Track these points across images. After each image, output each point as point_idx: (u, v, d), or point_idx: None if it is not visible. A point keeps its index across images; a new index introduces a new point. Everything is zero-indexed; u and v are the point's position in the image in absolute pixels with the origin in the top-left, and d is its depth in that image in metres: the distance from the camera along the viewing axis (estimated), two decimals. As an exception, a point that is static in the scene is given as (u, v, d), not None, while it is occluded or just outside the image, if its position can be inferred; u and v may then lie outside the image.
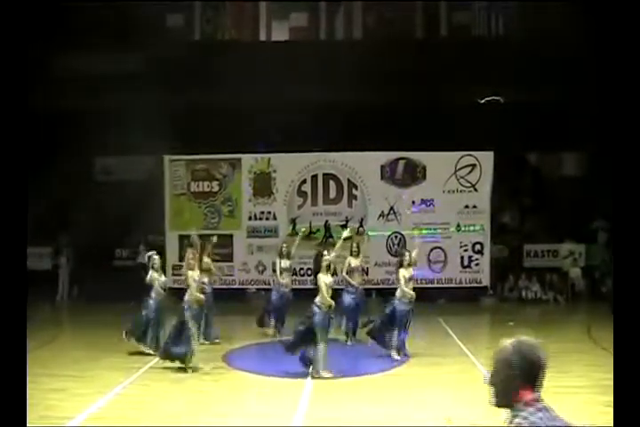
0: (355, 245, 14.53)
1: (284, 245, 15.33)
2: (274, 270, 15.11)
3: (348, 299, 13.91)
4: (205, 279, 13.21)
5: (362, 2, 23.13)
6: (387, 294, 18.46)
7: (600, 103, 18.86)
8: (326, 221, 19.61)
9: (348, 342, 13.92)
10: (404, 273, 12.46)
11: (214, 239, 14.93)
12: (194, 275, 11.98)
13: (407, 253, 12.79)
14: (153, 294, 13.07)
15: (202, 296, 12.06)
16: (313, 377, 10.88)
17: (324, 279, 11.19)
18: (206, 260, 13.87)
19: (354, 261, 14.21)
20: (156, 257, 13.24)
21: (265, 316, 15.05)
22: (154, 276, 13.01)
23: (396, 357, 12.36)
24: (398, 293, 12.48)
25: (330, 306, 11.12)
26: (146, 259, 13.55)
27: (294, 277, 15.86)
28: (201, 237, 14.64)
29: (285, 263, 14.87)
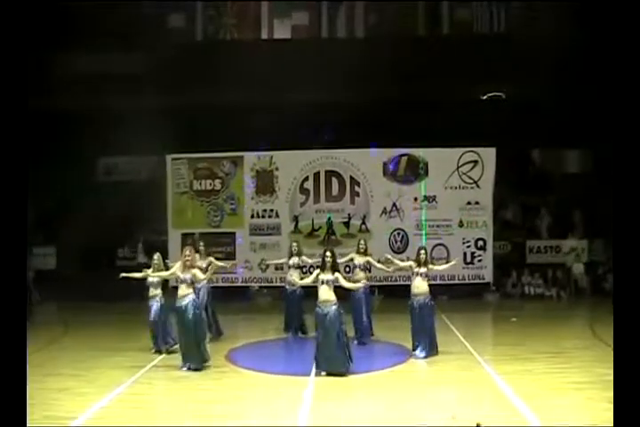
0: (362, 242, 14.49)
1: (295, 243, 15.38)
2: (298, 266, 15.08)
3: (355, 298, 13.91)
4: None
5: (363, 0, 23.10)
6: (387, 291, 18.71)
7: (603, 99, 18.85)
8: (329, 218, 19.60)
9: (356, 341, 13.85)
10: (421, 270, 12.53)
11: (197, 236, 15.05)
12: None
13: (423, 251, 12.81)
14: (151, 295, 13.08)
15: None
16: (317, 375, 10.87)
17: (323, 278, 11.20)
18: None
19: (358, 259, 14.20)
20: (156, 256, 13.21)
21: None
22: (150, 274, 12.97)
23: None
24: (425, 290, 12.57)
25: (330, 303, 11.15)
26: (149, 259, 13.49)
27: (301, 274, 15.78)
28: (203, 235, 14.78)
29: (295, 260, 14.92)
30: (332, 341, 10.95)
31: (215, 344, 13.76)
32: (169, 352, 12.74)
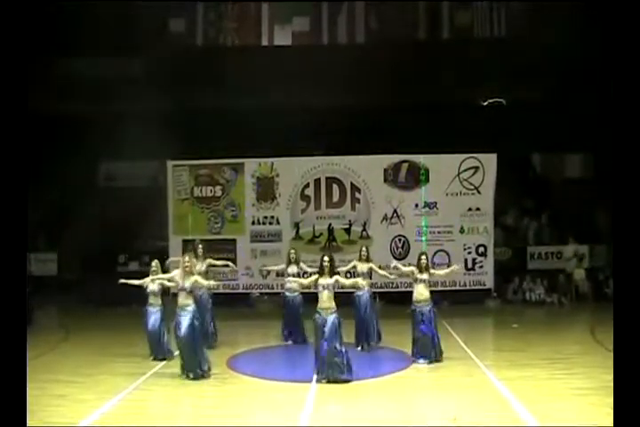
0: (364, 249, 14.42)
1: (292, 250, 15.33)
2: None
3: (359, 303, 13.89)
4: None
5: (364, 4, 23.11)
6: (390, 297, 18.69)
7: (603, 104, 18.88)
8: (329, 225, 19.58)
9: (359, 348, 13.76)
10: (423, 276, 12.51)
11: (197, 241, 15.05)
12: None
13: (424, 257, 12.78)
14: (150, 303, 13.09)
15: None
16: (318, 381, 10.84)
17: (322, 282, 11.16)
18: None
19: (361, 266, 14.13)
20: (154, 263, 13.20)
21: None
22: (148, 282, 12.99)
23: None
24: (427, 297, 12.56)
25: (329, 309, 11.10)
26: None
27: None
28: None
29: (293, 269, 14.86)
30: (331, 348, 10.90)
31: (216, 351, 13.73)
32: (169, 359, 12.74)
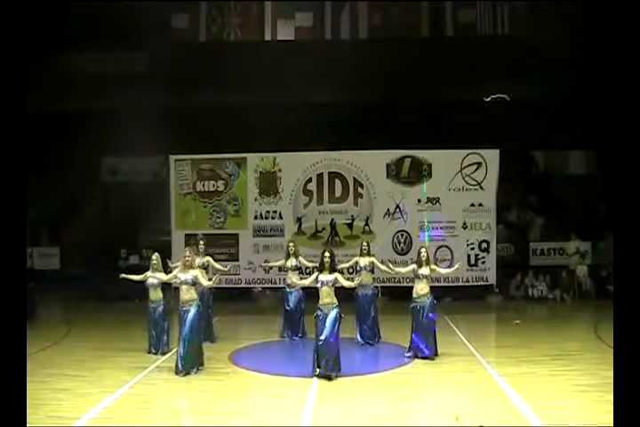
0: (365, 244, 14.42)
1: (291, 244, 15.30)
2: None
3: (361, 298, 13.91)
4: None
5: (367, 1, 23.12)
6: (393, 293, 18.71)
7: (606, 101, 18.85)
8: (332, 220, 19.59)
9: (369, 342, 13.82)
10: (423, 271, 12.49)
11: (200, 236, 15.01)
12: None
13: (424, 251, 12.76)
14: (151, 297, 13.10)
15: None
16: (319, 376, 10.84)
17: (322, 279, 11.17)
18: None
19: (363, 260, 14.13)
20: (154, 257, 13.18)
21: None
22: (149, 276, 13.01)
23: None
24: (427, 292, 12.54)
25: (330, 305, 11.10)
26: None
27: (300, 275, 15.65)
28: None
29: (292, 262, 14.83)
30: (330, 344, 10.89)
31: (218, 346, 13.77)
32: (163, 354, 12.78)
